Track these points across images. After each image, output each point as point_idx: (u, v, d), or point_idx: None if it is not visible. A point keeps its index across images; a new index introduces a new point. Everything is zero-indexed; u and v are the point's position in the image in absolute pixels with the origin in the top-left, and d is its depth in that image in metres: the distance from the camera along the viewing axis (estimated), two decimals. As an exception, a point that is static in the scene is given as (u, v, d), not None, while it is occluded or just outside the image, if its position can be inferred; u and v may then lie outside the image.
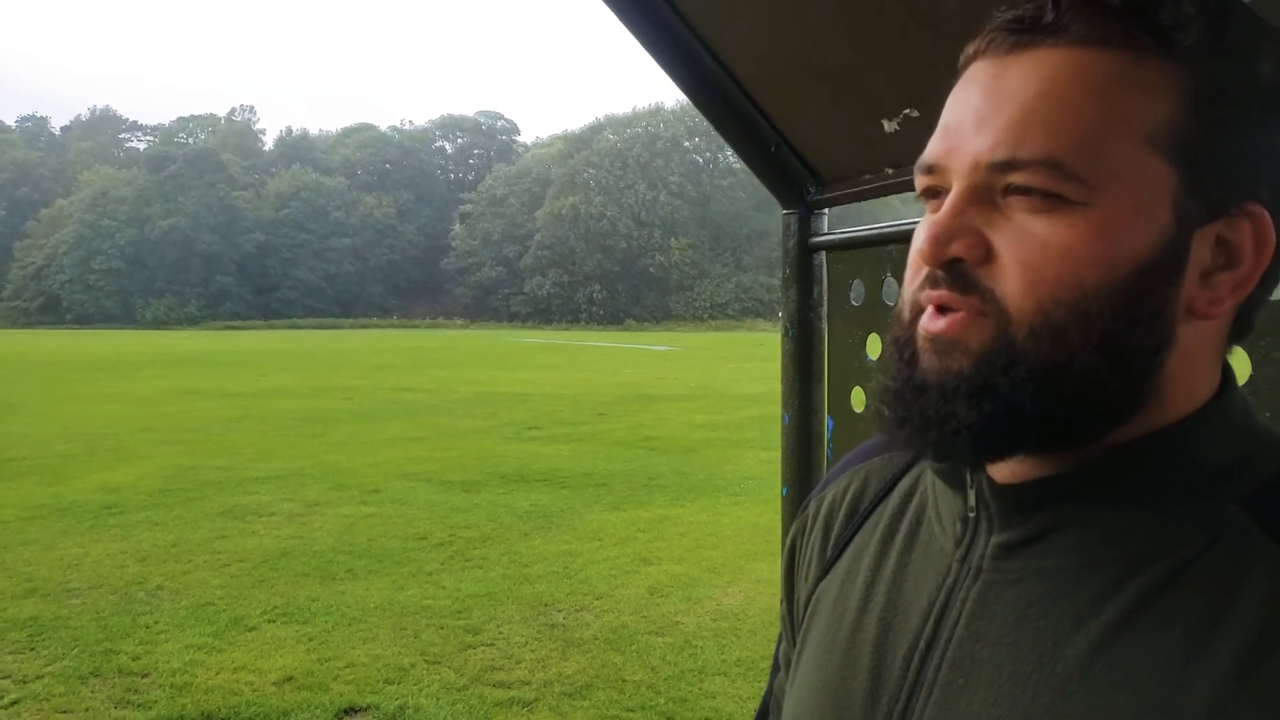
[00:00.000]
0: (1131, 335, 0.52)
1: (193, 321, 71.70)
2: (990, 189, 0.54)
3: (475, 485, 9.12)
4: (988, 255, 0.54)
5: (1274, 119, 0.53)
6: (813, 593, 0.74)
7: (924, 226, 0.56)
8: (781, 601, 0.82)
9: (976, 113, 0.55)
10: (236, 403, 16.32)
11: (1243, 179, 0.53)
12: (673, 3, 1.58)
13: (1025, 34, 0.54)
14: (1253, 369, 1.00)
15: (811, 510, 0.79)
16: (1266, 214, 0.53)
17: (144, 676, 4.47)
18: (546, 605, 5.52)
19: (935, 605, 0.61)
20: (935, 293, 0.55)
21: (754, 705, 4.29)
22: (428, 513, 7.94)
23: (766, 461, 10.13)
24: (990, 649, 0.56)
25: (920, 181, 0.59)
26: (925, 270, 0.56)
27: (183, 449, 11.21)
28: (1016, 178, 0.52)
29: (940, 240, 0.54)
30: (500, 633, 5.06)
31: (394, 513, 7.95)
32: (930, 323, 0.55)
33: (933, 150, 0.57)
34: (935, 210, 0.57)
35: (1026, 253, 0.52)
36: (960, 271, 0.54)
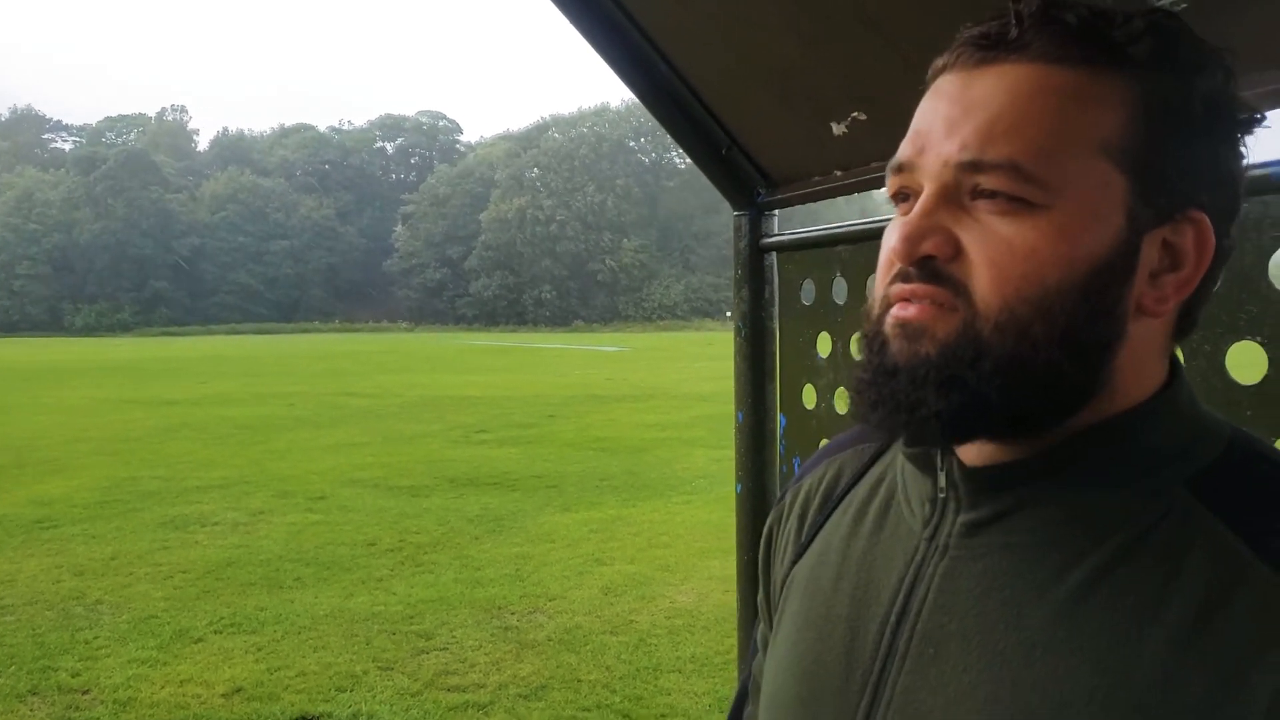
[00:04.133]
0: (1089, 330, 0.56)
1: (125, 328, 69.54)
2: (959, 190, 0.57)
3: (424, 490, 9.03)
4: (957, 253, 0.57)
5: (1213, 131, 0.58)
6: (788, 575, 0.77)
7: (896, 226, 0.60)
8: (759, 587, 0.85)
9: (946, 119, 0.58)
10: (174, 411, 15.88)
11: (1186, 186, 0.57)
12: (624, 6, 1.60)
13: (991, 49, 0.58)
14: (1183, 361, 1.06)
15: (788, 500, 0.83)
16: (1207, 219, 0.57)
17: (85, 693, 4.35)
18: (500, 608, 5.50)
19: (905, 581, 0.64)
20: (907, 286, 0.59)
21: (708, 700, 4.31)
22: (376, 519, 7.83)
23: (717, 460, 10.20)
24: (958, 620, 0.60)
25: (892, 182, 0.62)
26: (897, 267, 0.59)
27: (119, 459, 10.88)
28: (982, 179, 0.56)
29: (913, 239, 0.58)
30: (453, 637, 5.03)
31: (341, 519, 7.83)
32: (900, 311, 0.59)
33: (904, 151, 0.61)
34: (905, 213, 0.60)
35: (993, 252, 0.56)
36: (932, 268, 0.58)
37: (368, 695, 4.29)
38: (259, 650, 4.85)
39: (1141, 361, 0.60)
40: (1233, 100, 0.58)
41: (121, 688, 4.38)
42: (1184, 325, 0.62)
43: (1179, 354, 1.06)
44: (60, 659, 4.72)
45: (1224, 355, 1.02)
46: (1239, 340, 1.00)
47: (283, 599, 5.70)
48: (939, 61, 0.61)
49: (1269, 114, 0.62)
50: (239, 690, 4.35)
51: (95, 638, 5.03)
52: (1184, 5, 0.96)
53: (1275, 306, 0.97)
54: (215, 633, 5.11)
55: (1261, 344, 0.98)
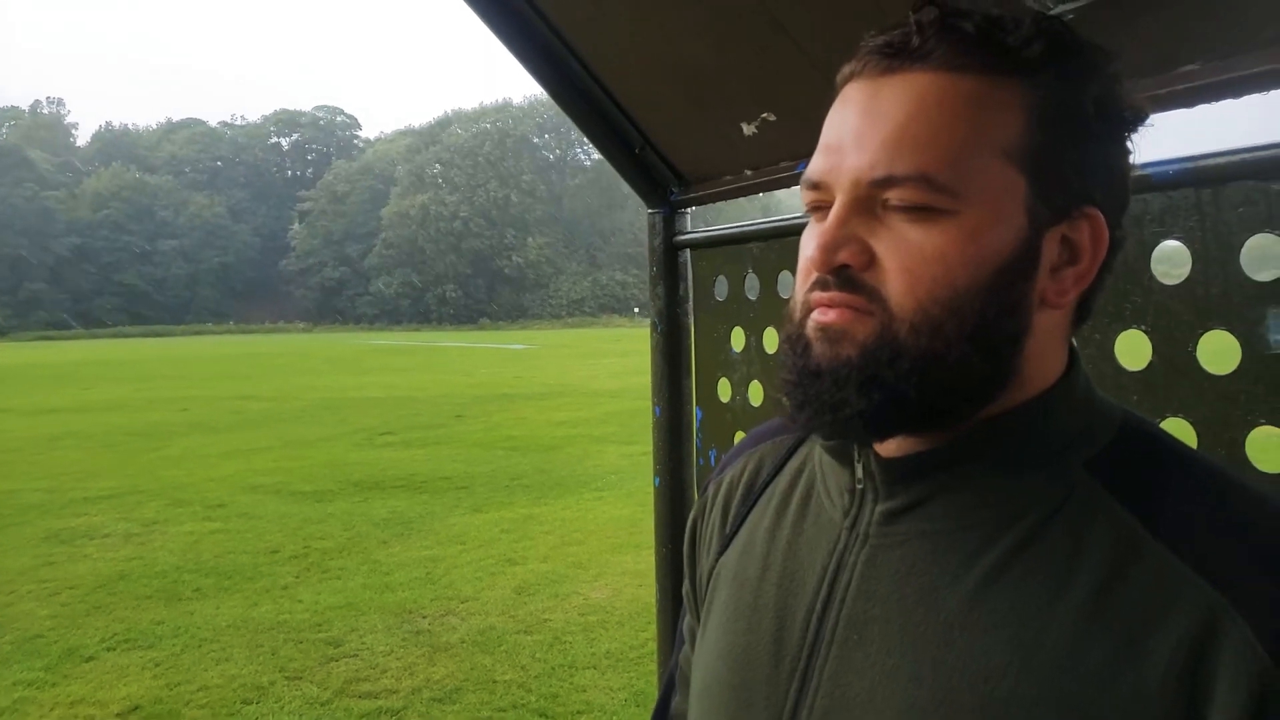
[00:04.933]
0: (997, 326, 0.59)
1: (-2, 333, 65.37)
2: (871, 200, 0.60)
3: (328, 495, 8.78)
4: (871, 260, 0.60)
5: (1103, 131, 0.61)
6: (714, 566, 0.78)
7: (812, 236, 0.62)
8: (684, 579, 0.86)
9: (855, 131, 0.60)
10: (57, 419, 15.00)
11: (1080, 184, 0.60)
12: (537, 6, 1.60)
13: (895, 58, 0.60)
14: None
15: (710, 492, 0.84)
16: (1100, 215, 0.61)
17: (-37, 721, 4.09)
18: (410, 612, 5.40)
19: (828, 569, 0.66)
20: (825, 294, 0.61)
21: (624, 695, 4.32)
22: (278, 525, 7.58)
23: (628, 455, 10.25)
24: (880, 605, 0.62)
25: (806, 196, 0.64)
26: (815, 275, 0.62)
27: (-5, 471, 10.24)
28: (893, 192, 0.59)
29: (829, 249, 0.60)
30: (364, 643, 4.91)
31: (242, 527, 7.55)
32: (821, 316, 0.61)
33: (816, 168, 0.63)
34: (821, 220, 0.62)
35: (905, 258, 0.59)
36: (847, 276, 0.60)
37: (275, 706, 4.16)
38: (157, 666, 4.64)
39: (1045, 351, 0.63)
40: (1121, 101, 0.61)
41: (8, 712, 4.13)
42: (1082, 314, 0.65)
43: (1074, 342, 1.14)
44: (-66, 686, 4.42)
45: (1113, 343, 1.09)
46: (1126, 329, 1.07)
47: (181, 611, 5.46)
48: (846, 69, 0.63)
49: (1150, 117, 0.66)
50: (136, 709, 4.15)
51: (-26, 662, 4.72)
52: (1070, 15, 1.02)
53: (1157, 298, 1.04)
54: (108, 650, 4.86)
55: (1146, 333, 1.05)
